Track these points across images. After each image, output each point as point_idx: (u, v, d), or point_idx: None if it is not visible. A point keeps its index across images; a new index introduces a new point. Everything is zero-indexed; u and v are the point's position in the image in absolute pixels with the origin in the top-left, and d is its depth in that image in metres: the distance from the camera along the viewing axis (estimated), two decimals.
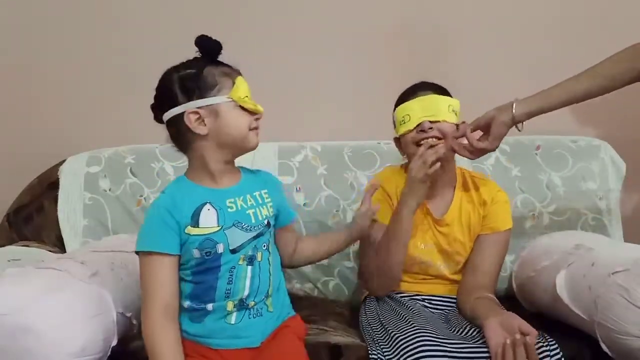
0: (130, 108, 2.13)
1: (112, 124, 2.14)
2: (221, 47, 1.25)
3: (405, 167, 1.57)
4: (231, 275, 1.19)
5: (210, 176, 1.22)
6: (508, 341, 1.16)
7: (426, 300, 1.53)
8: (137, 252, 1.17)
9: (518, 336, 1.16)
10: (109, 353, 1.27)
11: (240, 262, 1.20)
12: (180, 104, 1.20)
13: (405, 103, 1.50)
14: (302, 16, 2.11)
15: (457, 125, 1.49)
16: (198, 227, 1.17)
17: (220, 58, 1.25)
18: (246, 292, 1.21)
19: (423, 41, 2.12)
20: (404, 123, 1.49)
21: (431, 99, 1.48)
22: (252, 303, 1.22)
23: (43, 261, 1.41)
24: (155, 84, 2.21)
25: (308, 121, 2.09)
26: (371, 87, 2.12)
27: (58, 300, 1.17)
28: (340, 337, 1.44)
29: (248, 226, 1.21)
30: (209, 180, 1.22)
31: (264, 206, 1.26)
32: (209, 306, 1.19)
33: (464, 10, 2.11)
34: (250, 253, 1.22)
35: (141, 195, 1.91)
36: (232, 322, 1.20)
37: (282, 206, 1.33)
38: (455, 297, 1.54)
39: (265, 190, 1.29)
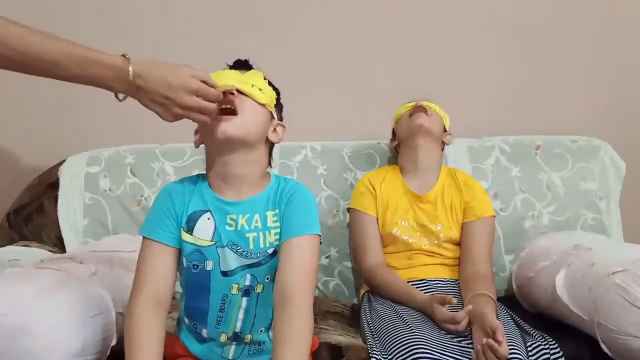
0: (131, 108, 2.13)
1: (112, 124, 2.14)
2: (237, 61, 1.21)
3: (395, 167, 1.78)
4: (223, 303, 1.11)
5: (217, 179, 1.11)
6: (479, 347, 1.20)
7: (420, 286, 1.55)
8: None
9: (484, 340, 1.19)
10: (108, 353, 1.27)
11: (234, 292, 1.11)
12: None
13: (400, 108, 1.79)
14: (302, 16, 2.11)
15: (444, 129, 1.75)
16: (191, 234, 1.09)
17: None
18: (239, 325, 1.12)
19: (424, 41, 2.12)
20: (402, 111, 1.76)
21: (427, 103, 1.73)
22: (249, 337, 1.14)
23: (42, 261, 1.41)
24: None
25: (308, 121, 2.09)
26: (371, 87, 2.12)
27: (57, 301, 1.17)
28: (340, 337, 1.44)
29: (244, 252, 1.09)
30: (218, 185, 1.11)
31: (270, 232, 1.10)
32: (204, 332, 1.14)
33: (463, 12, 2.11)
34: (247, 283, 1.11)
35: (141, 195, 1.91)
36: (230, 357, 1.15)
37: (287, 219, 1.10)
38: (448, 279, 1.59)
39: (276, 211, 1.11)
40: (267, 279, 1.11)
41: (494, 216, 1.67)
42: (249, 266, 1.10)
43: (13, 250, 1.71)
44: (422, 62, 2.11)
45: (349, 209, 1.75)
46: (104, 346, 1.24)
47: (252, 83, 1.10)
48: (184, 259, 1.10)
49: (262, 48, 2.11)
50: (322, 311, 1.67)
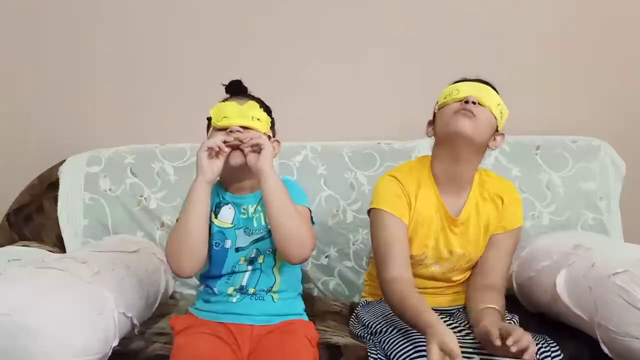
0: (130, 108, 2.14)
1: (112, 124, 2.14)
2: (239, 85, 1.42)
3: (428, 157, 1.50)
4: (232, 271, 1.37)
5: (229, 186, 1.40)
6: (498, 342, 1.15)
7: None
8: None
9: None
10: (109, 353, 1.27)
11: (241, 262, 1.36)
12: None
13: (458, 83, 1.45)
14: (302, 16, 2.10)
15: (496, 126, 1.43)
16: (217, 218, 1.37)
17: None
18: (244, 282, 1.37)
19: (424, 41, 2.12)
20: (450, 96, 1.42)
21: (484, 87, 1.43)
22: (253, 290, 1.37)
23: (44, 261, 1.41)
24: (155, 83, 2.23)
25: (308, 121, 2.09)
26: (371, 87, 2.12)
27: (59, 300, 1.17)
28: (339, 337, 1.44)
29: (250, 230, 1.36)
30: (230, 188, 1.40)
31: None
32: (215, 289, 1.37)
33: (463, 12, 2.11)
34: (252, 256, 1.36)
35: (141, 195, 1.91)
36: (234, 301, 1.36)
37: None
38: (454, 307, 1.51)
39: None
40: (269, 251, 1.37)
41: (521, 226, 1.49)
42: (256, 241, 1.36)
43: (13, 250, 1.71)
44: (422, 62, 2.10)
45: (373, 210, 1.45)
46: (105, 346, 1.24)
47: (251, 115, 1.34)
48: (211, 237, 1.35)
49: (263, 49, 2.11)
50: (322, 312, 1.67)
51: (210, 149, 1.28)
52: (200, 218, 1.29)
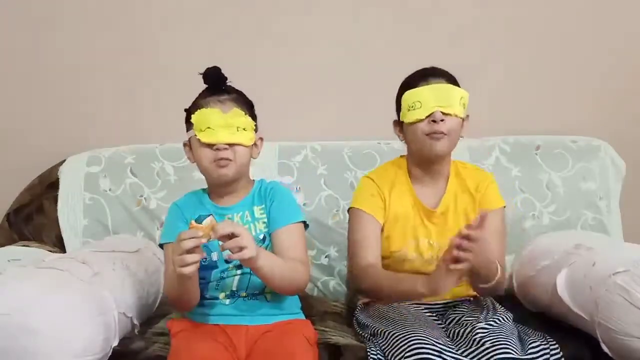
0: (131, 108, 2.14)
1: (112, 124, 2.14)
2: (218, 74, 1.33)
3: (404, 158, 1.57)
4: (222, 277, 1.34)
5: (215, 193, 1.39)
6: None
7: (417, 308, 1.47)
8: (161, 246, 1.40)
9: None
10: (110, 353, 1.27)
11: (230, 269, 1.34)
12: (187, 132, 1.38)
13: (417, 88, 1.44)
14: (303, 16, 2.11)
15: (462, 119, 1.45)
16: None
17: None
18: (235, 286, 1.34)
19: (425, 41, 2.12)
20: (414, 110, 1.42)
21: (445, 88, 1.42)
22: (244, 293, 1.34)
23: (44, 261, 1.41)
24: (155, 83, 2.23)
25: (308, 121, 2.10)
26: (371, 86, 2.12)
27: (59, 300, 1.17)
28: (339, 337, 1.44)
29: None
30: (215, 197, 1.39)
31: (259, 222, 1.36)
32: (207, 295, 1.35)
33: (463, 11, 2.12)
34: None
35: (141, 195, 1.91)
36: (227, 303, 1.34)
37: (272, 213, 1.36)
38: (440, 301, 1.49)
39: (263, 206, 1.38)
40: None
41: (504, 207, 1.52)
42: None
43: (13, 250, 1.71)
44: (422, 62, 2.09)
45: (351, 209, 1.54)
46: (105, 346, 1.24)
47: (236, 125, 1.30)
48: None
49: (263, 48, 2.11)
50: (321, 313, 1.67)
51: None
52: (193, 292, 1.28)
